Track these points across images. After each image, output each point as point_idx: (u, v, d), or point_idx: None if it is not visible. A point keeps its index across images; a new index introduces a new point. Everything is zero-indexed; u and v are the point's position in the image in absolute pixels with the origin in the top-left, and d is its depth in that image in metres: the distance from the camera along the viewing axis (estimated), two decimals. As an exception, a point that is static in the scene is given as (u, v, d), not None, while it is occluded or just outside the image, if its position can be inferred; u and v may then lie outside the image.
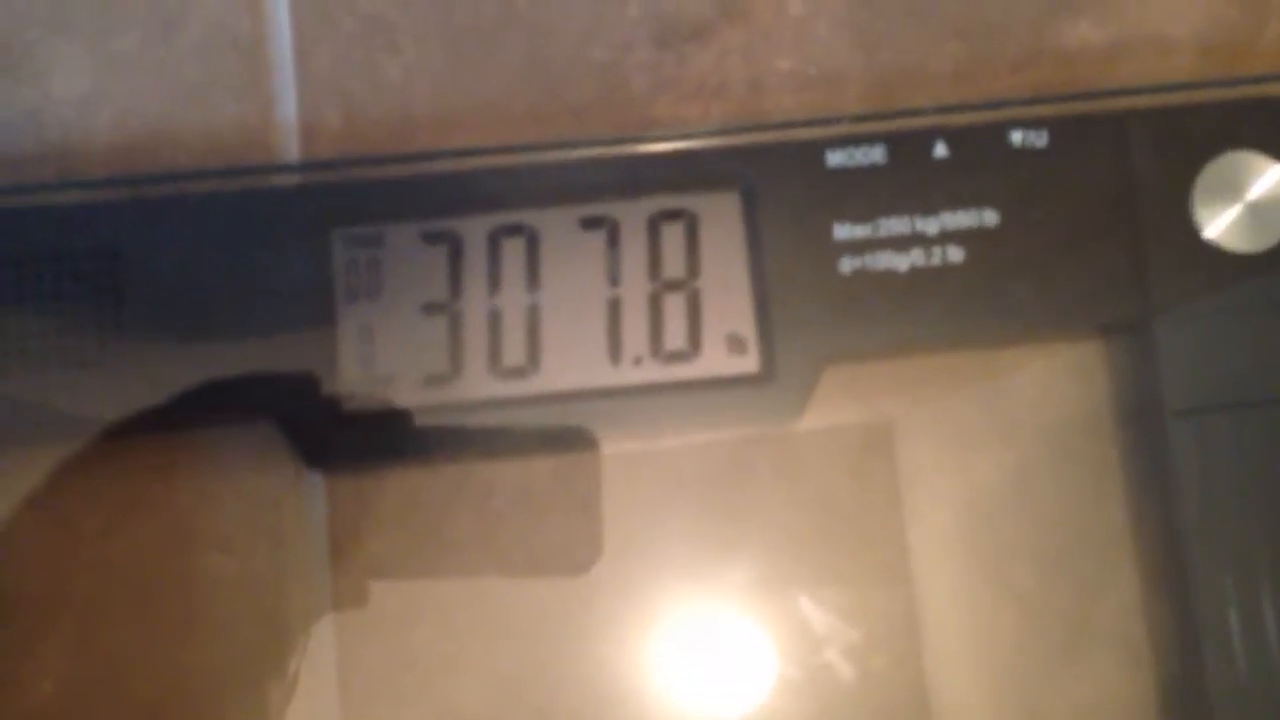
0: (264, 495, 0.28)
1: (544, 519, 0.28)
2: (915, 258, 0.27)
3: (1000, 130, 0.28)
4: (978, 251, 0.27)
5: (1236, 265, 0.28)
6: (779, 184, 0.27)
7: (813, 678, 0.28)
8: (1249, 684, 0.27)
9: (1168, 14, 0.31)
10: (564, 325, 0.27)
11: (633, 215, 0.28)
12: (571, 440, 0.27)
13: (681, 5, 0.30)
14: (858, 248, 0.27)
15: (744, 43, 0.30)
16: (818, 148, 0.27)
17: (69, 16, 0.29)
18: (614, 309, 0.27)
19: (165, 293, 0.26)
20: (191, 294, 0.27)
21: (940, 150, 0.28)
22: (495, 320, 0.27)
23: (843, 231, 0.27)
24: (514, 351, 0.27)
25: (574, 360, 0.27)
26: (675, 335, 0.27)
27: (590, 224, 0.27)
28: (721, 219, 0.28)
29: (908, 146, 0.28)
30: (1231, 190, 0.28)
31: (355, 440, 0.27)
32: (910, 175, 0.28)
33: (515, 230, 0.27)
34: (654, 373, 0.27)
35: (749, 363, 0.27)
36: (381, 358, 0.27)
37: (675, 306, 0.27)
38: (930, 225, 0.27)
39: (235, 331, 0.26)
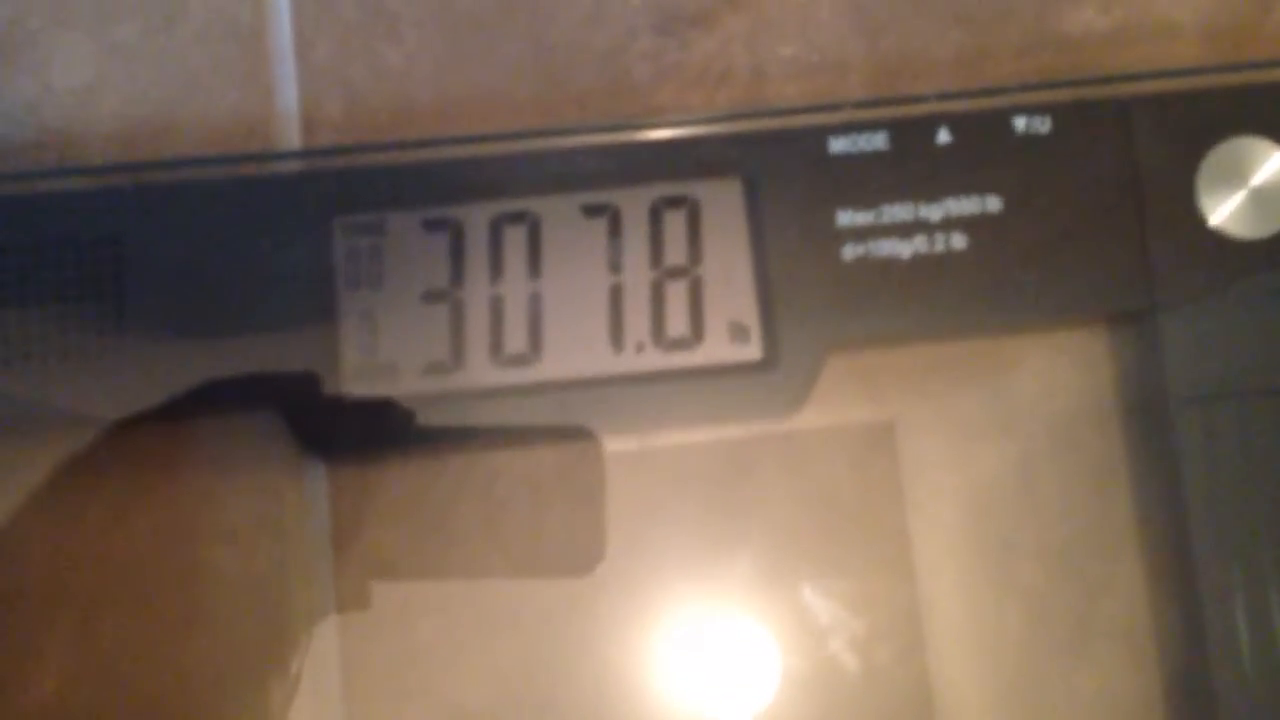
0: (266, 485, 0.28)
1: (548, 511, 0.28)
2: (918, 245, 0.27)
3: (1003, 116, 0.28)
4: (981, 238, 0.27)
5: (1241, 252, 0.27)
6: (781, 171, 0.27)
7: (817, 671, 0.28)
8: (1254, 675, 0.26)
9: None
10: (566, 313, 0.27)
11: (635, 202, 0.27)
12: (574, 428, 0.27)
13: (683, -7, 0.30)
14: (860, 235, 0.27)
15: (746, 29, 0.30)
16: (820, 134, 0.27)
17: (71, 6, 0.29)
18: (616, 296, 0.27)
19: (167, 281, 0.26)
20: (193, 282, 0.27)
21: (943, 137, 0.28)
22: (497, 308, 0.27)
23: (845, 218, 0.27)
24: (516, 339, 0.27)
25: (576, 348, 0.27)
26: (677, 323, 0.27)
27: (592, 211, 0.27)
28: (724, 206, 0.27)
29: (911, 133, 0.27)
30: (1236, 176, 0.27)
31: (357, 428, 0.27)
32: (913, 162, 0.27)
33: (517, 218, 0.27)
34: (656, 360, 0.27)
35: (752, 350, 0.27)
36: (383, 346, 0.27)
37: (677, 294, 0.27)
38: (933, 212, 0.27)
39: (236, 320, 0.26)
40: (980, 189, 0.27)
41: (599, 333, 0.27)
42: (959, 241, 0.27)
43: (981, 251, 0.27)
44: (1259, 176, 0.27)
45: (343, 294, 0.27)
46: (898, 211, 0.27)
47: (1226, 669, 0.27)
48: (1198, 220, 0.28)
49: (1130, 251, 0.27)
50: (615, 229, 0.27)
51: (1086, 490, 0.29)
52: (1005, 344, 0.29)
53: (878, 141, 0.27)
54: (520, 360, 0.27)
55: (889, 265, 0.27)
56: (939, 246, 0.27)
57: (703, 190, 0.28)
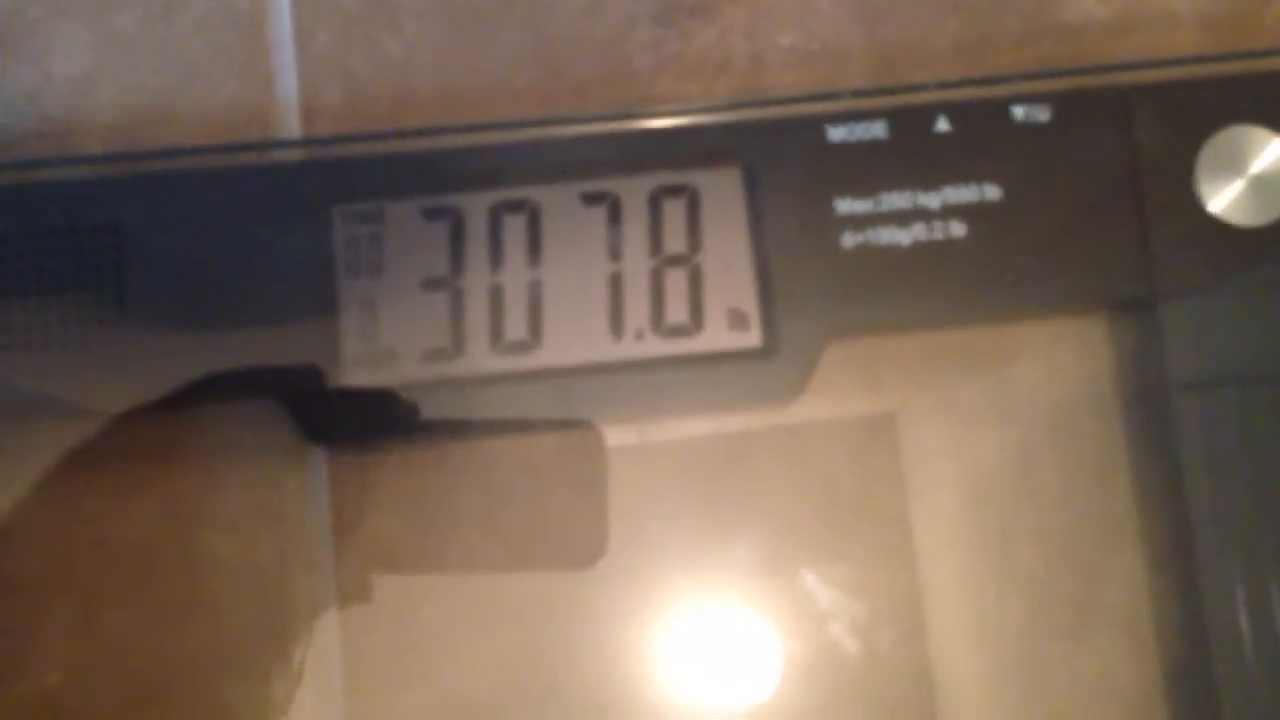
0: (266, 473, 0.28)
1: (549, 500, 0.28)
2: (917, 232, 0.27)
3: (1002, 105, 0.28)
4: (980, 226, 0.27)
5: (1240, 239, 0.27)
6: (780, 159, 0.27)
7: (819, 658, 0.28)
8: (1254, 663, 0.27)
9: (1171, -11, 0.31)
10: (565, 300, 0.27)
11: (634, 191, 0.27)
12: (574, 415, 0.27)
13: (683, -18, 0.30)
14: (860, 223, 0.27)
15: (746, 19, 0.30)
16: (819, 123, 0.27)
17: (70, -5, 0.29)
18: (615, 284, 0.27)
19: (167, 270, 0.26)
20: (193, 271, 0.27)
21: (942, 125, 0.28)
22: (497, 296, 0.27)
23: (844, 206, 0.27)
24: (516, 326, 0.27)
25: (576, 335, 0.27)
26: (677, 310, 0.27)
27: (592, 199, 0.27)
28: (723, 194, 0.28)
29: (909, 121, 0.27)
30: (1235, 164, 0.28)
31: (357, 416, 0.27)
32: (912, 150, 0.27)
33: (517, 206, 0.27)
34: (656, 347, 0.27)
35: (751, 338, 0.27)
36: (383, 334, 0.27)
37: (677, 282, 0.27)
38: (932, 200, 0.27)
39: (236, 308, 0.26)
40: (979, 177, 0.27)
41: (599, 320, 0.27)
42: (958, 230, 0.27)
43: (981, 240, 0.27)
44: (1258, 164, 0.27)
45: (343, 282, 0.27)
46: (897, 200, 0.27)
47: (1226, 655, 0.27)
48: (1197, 208, 0.28)
49: (1130, 240, 0.27)
50: (615, 217, 0.27)
51: (1086, 478, 0.29)
52: (1005, 332, 0.29)
53: (877, 130, 0.27)
54: (520, 347, 0.27)
55: (888, 253, 0.27)
56: (938, 235, 0.27)
57: (702, 179, 0.28)
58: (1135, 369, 0.29)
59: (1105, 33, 0.30)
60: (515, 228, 0.27)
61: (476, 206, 0.27)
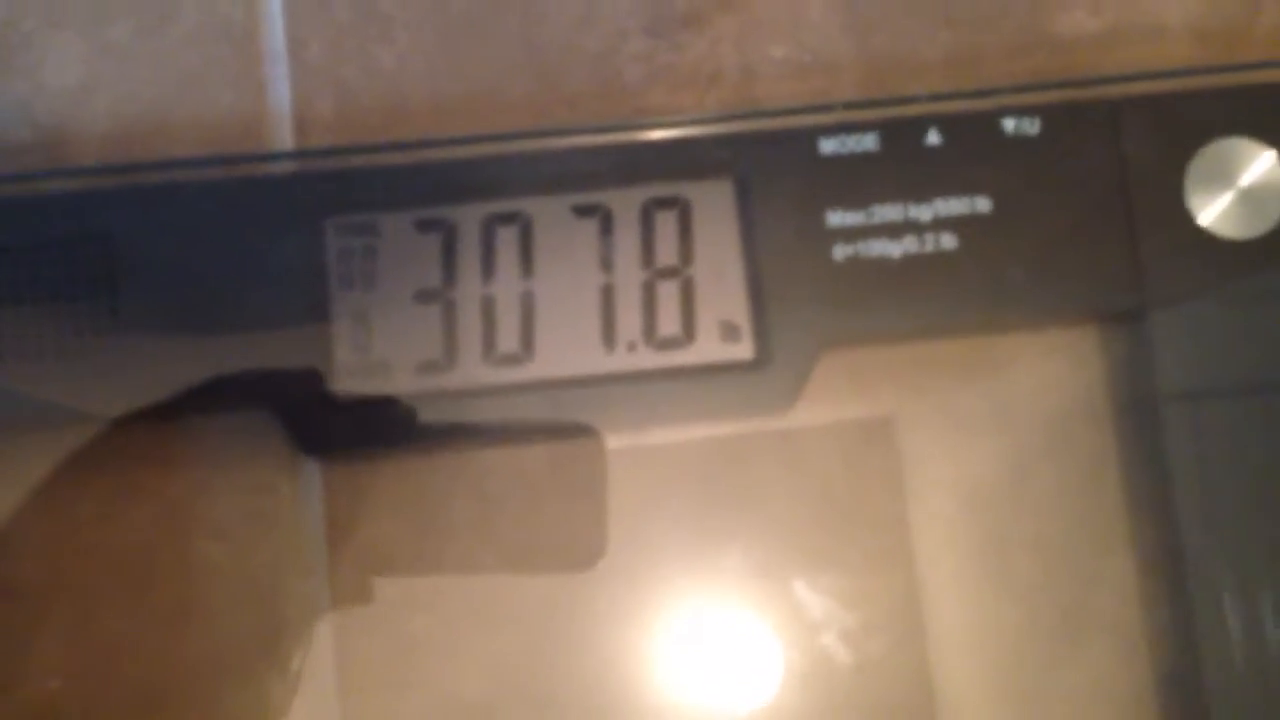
0: (260, 483, 0.28)
1: (542, 508, 0.28)
2: (908, 244, 0.27)
3: (993, 118, 0.28)
4: (971, 238, 0.27)
5: (1230, 252, 0.28)
6: (772, 171, 0.27)
7: (816, 663, 0.28)
8: (1243, 668, 0.27)
9: (1161, 1, 0.31)
10: (558, 312, 0.27)
11: (626, 203, 0.28)
12: (566, 426, 0.27)
13: (675, -7, 0.30)
14: (851, 235, 0.27)
15: (737, 30, 0.30)
16: (811, 135, 0.27)
17: (63, 6, 0.29)
18: (607, 296, 0.27)
19: (159, 281, 0.27)
20: (185, 282, 0.27)
21: (933, 138, 0.28)
22: (489, 307, 0.27)
23: (836, 218, 0.27)
24: (508, 338, 0.27)
25: (568, 347, 0.27)
26: (669, 322, 0.27)
27: (584, 211, 0.28)
28: (715, 206, 0.28)
29: (901, 134, 0.28)
30: (1224, 177, 0.28)
31: (351, 427, 0.27)
32: (903, 162, 0.28)
33: (509, 218, 0.27)
34: (648, 359, 0.27)
35: (743, 349, 0.27)
36: (376, 345, 0.27)
37: (669, 293, 0.27)
38: (923, 212, 0.27)
39: (229, 320, 0.26)
40: (970, 190, 0.28)
41: (591, 332, 0.27)
42: (949, 241, 0.27)
43: (972, 252, 0.27)
44: (1247, 177, 0.28)
45: (336, 294, 0.27)
46: (888, 212, 0.27)
47: (1215, 660, 0.27)
48: (1187, 221, 0.28)
49: (1120, 251, 0.27)
50: (607, 229, 0.28)
51: (1079, 485, 0.29)
52: (997, 342, 0.29)
53: (868, 142, 0.28)
54: (512, 360, 0.27)
55: (879, 265, 0.27)
56: (929, 246, 0.27)
57: (694, 191, 0.28)
58: (1126, 379, 0.29)
59: (1096, 45, 0.30)
60: (508, 239, 0.27)
61: (469, 218, 0.27)
